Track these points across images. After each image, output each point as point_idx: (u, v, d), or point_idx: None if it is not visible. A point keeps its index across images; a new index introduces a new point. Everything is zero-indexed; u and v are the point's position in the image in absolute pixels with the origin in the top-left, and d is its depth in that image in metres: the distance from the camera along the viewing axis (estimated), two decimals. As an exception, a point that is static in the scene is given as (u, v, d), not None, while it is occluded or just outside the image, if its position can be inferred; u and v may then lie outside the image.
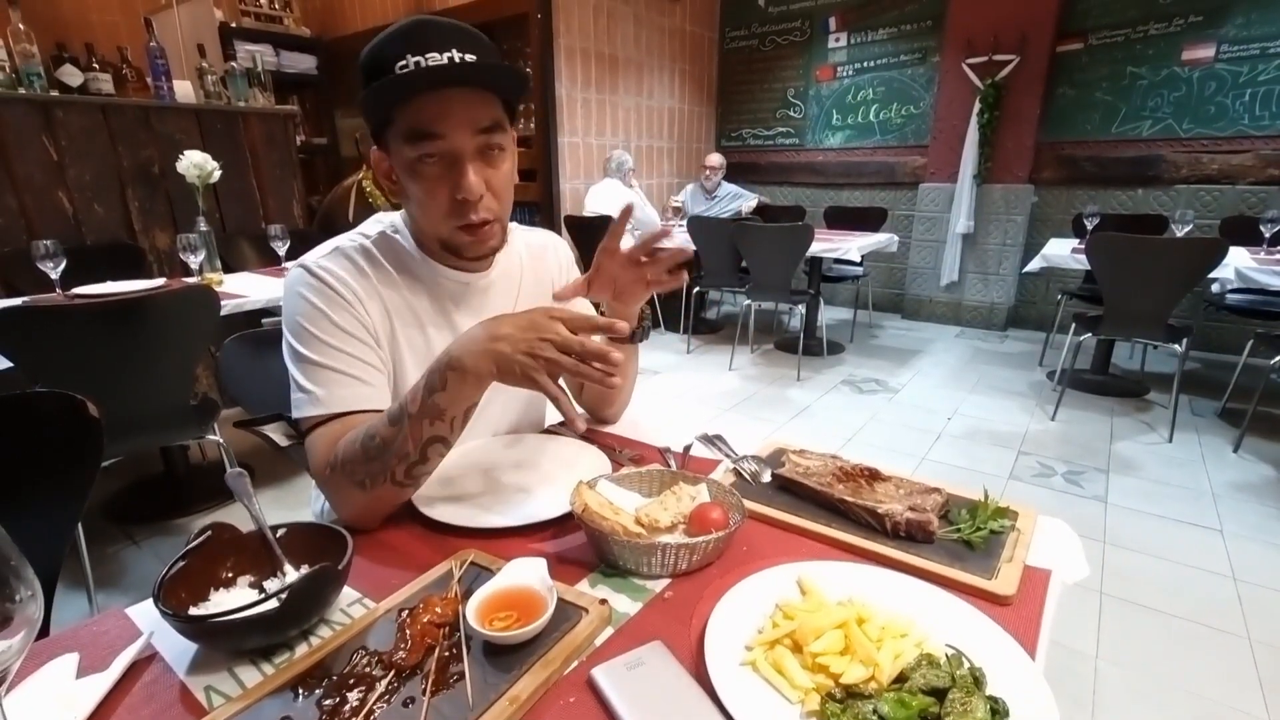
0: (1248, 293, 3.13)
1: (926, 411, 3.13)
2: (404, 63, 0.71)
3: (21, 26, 2.36)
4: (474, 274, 0.90)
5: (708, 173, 4.78)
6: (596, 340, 0.68)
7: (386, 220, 0.90)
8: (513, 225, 1.01)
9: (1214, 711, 1.41)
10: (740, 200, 4.81)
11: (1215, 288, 2.98)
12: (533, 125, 4.52)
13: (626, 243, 0.87)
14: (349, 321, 0.80)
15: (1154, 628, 1.66)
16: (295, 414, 0.80)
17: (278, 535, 0.65)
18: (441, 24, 0.76)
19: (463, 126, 0.75)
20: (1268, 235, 3.00)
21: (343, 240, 0.86)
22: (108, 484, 2.35)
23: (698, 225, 3.95)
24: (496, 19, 4.51)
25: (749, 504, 0.74)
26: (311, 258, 0.82)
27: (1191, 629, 1.65)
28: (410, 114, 0.74)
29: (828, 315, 4.45)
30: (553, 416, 1.09)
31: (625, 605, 0.62)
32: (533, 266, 1.01)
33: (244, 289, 2.22)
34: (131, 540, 2.09)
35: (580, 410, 0.69)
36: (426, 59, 0.71)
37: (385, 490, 0.72)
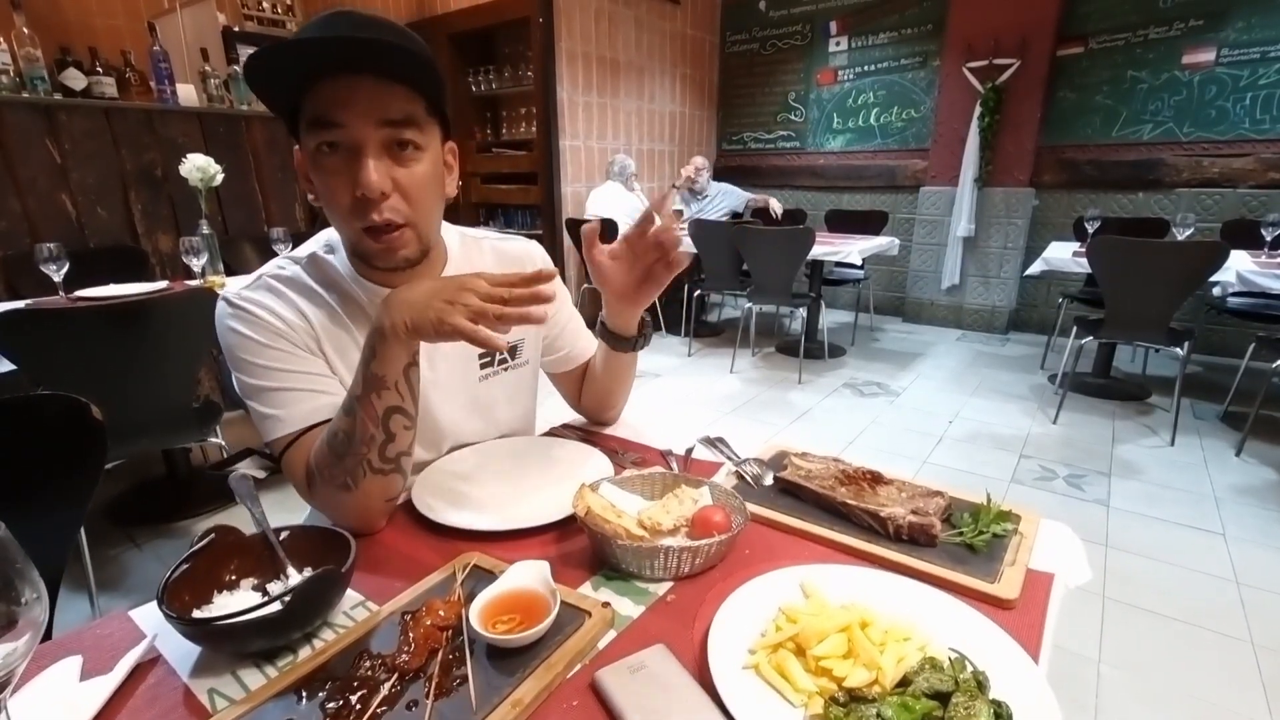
0: (1249, 296, 3.12)
1: (928, 415, 3.13)
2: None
3: (25, 30, 2.37)
4: None
5: (693, 179, 4.72)
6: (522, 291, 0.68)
7: (323, 239, 0.86)
8: (484, 234, 0.98)
9: (1216, 715, 1.41)
10: (732, 197, 4.82)
11: (1216, 291, 2.98)
12: (534, 129, 4.53)
13: None
14: (282, 342, 0.77)
15: (1156, 631, 1.66)
16: (266, 439, 0.78)
17: (281, 538, 0.65)
18: (363, 15, 0.70)
19: (365, 115, 0.68)
20: (1269, 239, 3.00)
21: (269, 267, 0.83)
22: (110, 486, 2.35)
23: (699, 228, 3.95)
24: (498, 23, 4.53)
25: (751, 507, 0.74)
26: (233, 290, 0.80)
27: (1194, 633, 1.65)
28: (313, 100, 0.69)
29: (829, 318, 4.45)
30: (553, 418, 1.10)
31: (628, 608, 0.62)
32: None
33: (216, 308, 2.22)
34: (133, 543, 2.09)
35: (503, 339, 0.67)
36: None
37: (370, 484, 0.71)
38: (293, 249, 2.63)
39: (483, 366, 0.94)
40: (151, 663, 0.55)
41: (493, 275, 0.69)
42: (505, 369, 0.97)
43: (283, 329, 0.78)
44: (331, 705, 0.49)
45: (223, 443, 1.99)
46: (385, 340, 0.68)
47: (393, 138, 0.71)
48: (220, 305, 0.79)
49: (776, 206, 4.74)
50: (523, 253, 1.00)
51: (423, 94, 0.72)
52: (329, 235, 0.86)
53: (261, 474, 2.41)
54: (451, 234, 0.92)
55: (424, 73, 0.71)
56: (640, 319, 0.92)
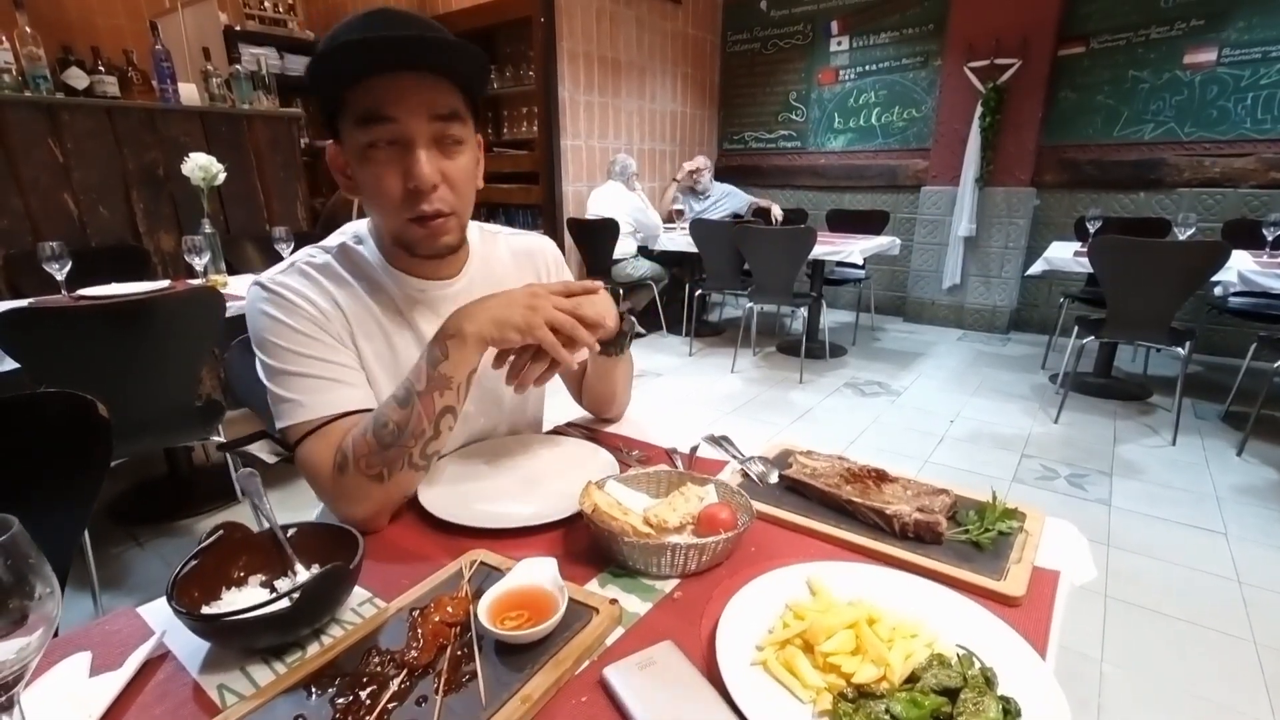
0: (1250, 296, 3.12)
1: (929, 414, 3.13)
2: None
3: (28, 30, 2.37)
4: (438, 280, 0.88)
5: (693, 176, 4.79)
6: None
7: (351, 230, 0.88)
8: (498, 229, 1.00)
9: (1218, 714, 1.41)
10: (735, 200, 4.83)
11: (1218, 291, 2.98)
12: (535, 128, 4.53)
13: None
14: (314, 329, 0.78)
15: (1158, 631, 1.66)
16: (279, 425, 0.78)
17: (288, 535, 0.65)
18: (403, 12, 0.73)
19: (417, 111, 0.71)
20: (1270, 238, 3.00)
21: (300, 255, 0.85)
22: (112, 485, 2.36)
23: (700, 227, 3.96)
24: (499, 23, 4.53)
25: (756, 505, 0.74)
26: (268, 275, 0.81)
27: (1196, 632, 1.65)
28: (361, 96, 0.71)
29: (830, 318, 4.45)
30: (558, 417, 1.10)
31: (635, 605, 0.62)
32: (517, 273, 0.98)
33: (248, 291, 2.22)
34: (135, 541, 2.09)
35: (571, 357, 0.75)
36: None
37: (403, 476, 0.73)
38: (294, 248, 2.64)
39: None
40: (160, 659, 0.55)
41: (553, 285, 0.78)
42: None
43: (316, 315, 0.79)
44: (341, 701, 0.49)
45: (224, 442, 1.99)
46: (466, 345, 0.72)
47: (441, 132, 0.74)
48: (253, 289, 0.81)
49: (778, 213, 4.74)
50: (535, 247, 1.02)
51: (462, 89, 0.75)
52: (356, 228, 0.88)
53: (272, 458, 2.42)
54: (471, 228, 0.94)
55: (475, 68, 0.75)
56: (620, 319, 0.88)
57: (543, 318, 0.72)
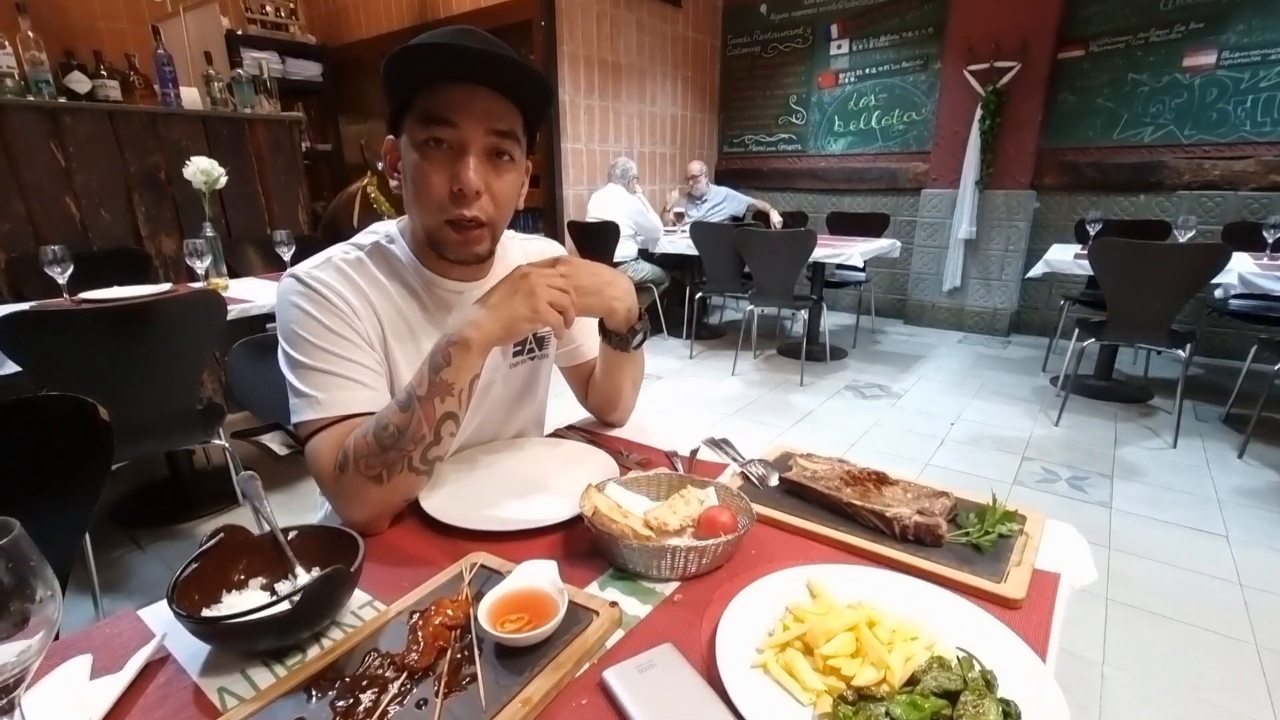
0: (1251, 298, 3.12)
1: (930, 417, 3.13)
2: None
3: (30, 34, 2.38)
4: (468, 283, 0.89)
5: (690, 183, 4.84)
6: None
7: (382, 230, 0.90)
8: (511, 234, 1.01)
9: (1220, 717, 1.40)
10: (733, 203, 4.84)
11: (1218, 293, 2.98)
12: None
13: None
14: (343, 327, 0.80)
15: (1160, 633, 1.66)
16: (294, 419, 0.79)
17: (289, 538, 0.65)
18: (486, 33, 0.77)
19: (478, 120, 0.75)
20: (1270, 241, 3.00)
21: (335, 251, 0.86)
22: (113, 488, 2.36)
23: (700, 230, 3.96)
24: (500, 26, 4.53)
25: (757, 507, 0.74)
26: (303, 268, 0.82)
27: (1198, 635, 1.65)
28: (431, 98, 0.74)
29: (830, 320, 4.45)
30: (558, 420, 1.10)
31: (635, 608, 0.62)
32: None
33: (249, 294, 2.23)
34: (136, 544, 2.09)
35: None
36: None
37: (402, 479, 0.73)
38: (295, 251, 2.63)
39: (514, 355, 0.96)
40: (161, 661, 0.55)
41: (535, 261, 0.78)
42: (532, 358, 1.00)
43: (347, 313, 0.80)
44: (341, 703, 0.49)
45: (226, 444, 1.99)
46: (469, 351, 0.72)
47: (495, 146, 0.77)
48: (287, 281, 0.82)
49: (776, 219, 4.74)
50: (546, 250, 1.04)
51: (525, 113, 0.79)
52: (387, 227, 0.90)
53: (284, 450, 2.43)
54: None
55: (539, 95, 0.79)
56: (639, 314, 0.92)
57: (543, 299, 0.73)
